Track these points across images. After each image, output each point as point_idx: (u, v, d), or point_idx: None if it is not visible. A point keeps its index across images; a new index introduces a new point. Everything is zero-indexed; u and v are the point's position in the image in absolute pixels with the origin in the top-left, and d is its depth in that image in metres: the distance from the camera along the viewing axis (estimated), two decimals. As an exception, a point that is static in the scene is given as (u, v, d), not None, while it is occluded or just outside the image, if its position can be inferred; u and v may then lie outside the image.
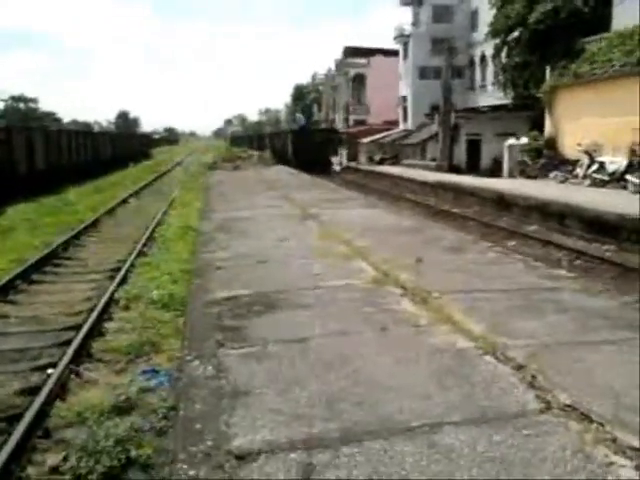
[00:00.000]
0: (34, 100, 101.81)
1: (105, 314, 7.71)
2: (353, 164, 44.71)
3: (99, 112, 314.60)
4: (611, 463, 3.11)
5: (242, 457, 3.22)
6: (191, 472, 3.13)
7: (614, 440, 3.31)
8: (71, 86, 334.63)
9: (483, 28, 35.49)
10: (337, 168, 43.56)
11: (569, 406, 3.70)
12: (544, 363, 4.37)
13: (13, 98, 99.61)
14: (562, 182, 22.20)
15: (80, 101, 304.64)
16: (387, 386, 4.06)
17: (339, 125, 63.31)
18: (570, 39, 25.32)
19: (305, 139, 41.24)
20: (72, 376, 5.74)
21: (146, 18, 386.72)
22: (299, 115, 68.61)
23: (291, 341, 5.00)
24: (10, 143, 22.35)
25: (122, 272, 9.78)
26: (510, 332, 5.09)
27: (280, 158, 40.58)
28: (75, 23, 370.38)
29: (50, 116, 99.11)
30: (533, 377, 4.13)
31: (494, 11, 31.54)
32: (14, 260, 10.84)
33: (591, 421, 3.51)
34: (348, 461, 3.15)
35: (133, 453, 4.22)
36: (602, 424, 3.47)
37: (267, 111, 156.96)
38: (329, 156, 41.56)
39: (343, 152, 48.37)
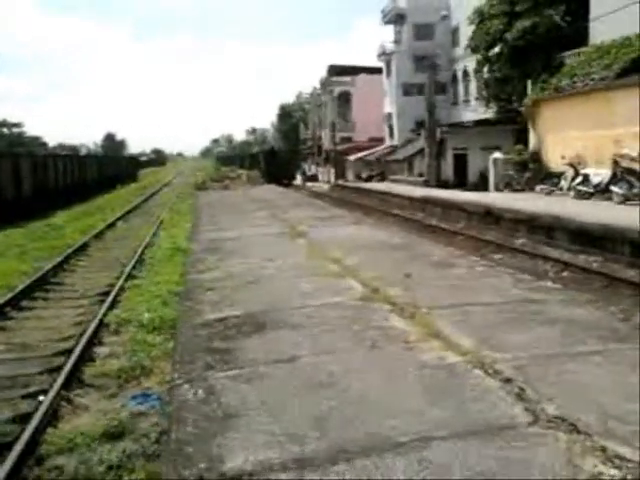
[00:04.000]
0: (19, 125, 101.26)
1: (95, 339, 7.72)
2: (341, 182, 45.10)
3: (84, 134, 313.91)
4: (600, 473, 3.15)
5: (235, 479, 3.23)
6: (184, 495, 3.14)
7: (603, 450, 3.35)
8: (51, 109, 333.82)
9: (464, 44, 35.92)
10: (325, 187, 43.97)
11: (557, 417, 3.74)
12: (532, 375, 4.42)
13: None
14: (548, 195, 22.46)
15: (62, 124, 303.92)
16: (377, 403, 4.09)
17: (326, 143, 63.64)
18: (550, 53, 25.73)
19: (273, 158, 51.09)
20: (63, 402, 5.73)
21: (126, 39, 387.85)
22: (269, 139, 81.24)
23: (281, 361, 5.01)
24: (-3, 169, 22.35)
25: (112, 296, 9.79)
26: (499, 345, 5.13)
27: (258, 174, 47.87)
28: (54, 46, 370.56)
29: (36, 141, 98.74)
30: (521, 389, 4.17)
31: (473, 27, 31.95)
32: (2, 287, 10.80)
33: (579, 432, 3.55)
34: (339, 478, 3.16)
35: (126, 479, 4.23)
36: (590, 434, 3.51)
37: (254, 131, 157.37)
38: (292, 171, 52.03)
39: (331, 170, 48.96)
